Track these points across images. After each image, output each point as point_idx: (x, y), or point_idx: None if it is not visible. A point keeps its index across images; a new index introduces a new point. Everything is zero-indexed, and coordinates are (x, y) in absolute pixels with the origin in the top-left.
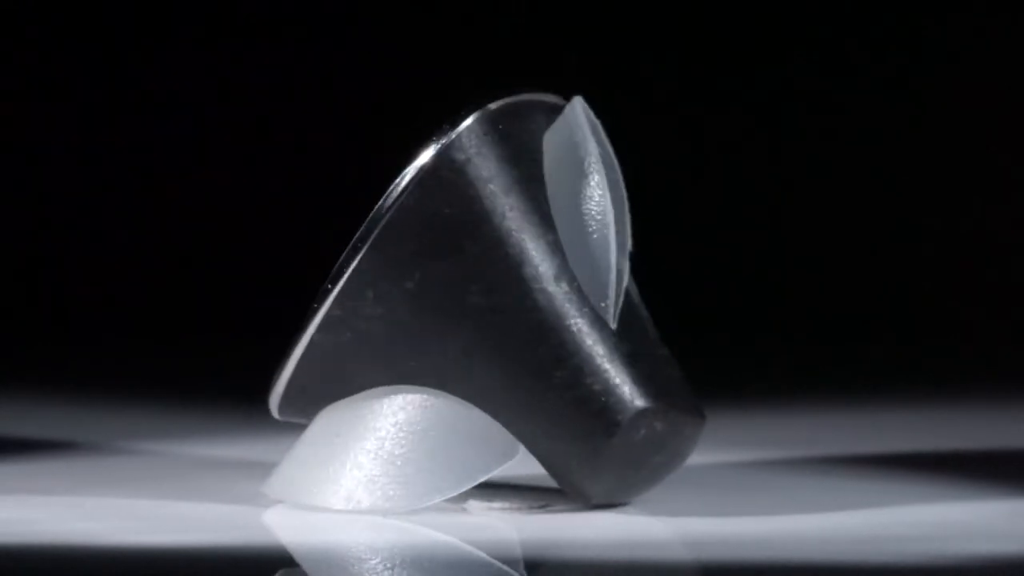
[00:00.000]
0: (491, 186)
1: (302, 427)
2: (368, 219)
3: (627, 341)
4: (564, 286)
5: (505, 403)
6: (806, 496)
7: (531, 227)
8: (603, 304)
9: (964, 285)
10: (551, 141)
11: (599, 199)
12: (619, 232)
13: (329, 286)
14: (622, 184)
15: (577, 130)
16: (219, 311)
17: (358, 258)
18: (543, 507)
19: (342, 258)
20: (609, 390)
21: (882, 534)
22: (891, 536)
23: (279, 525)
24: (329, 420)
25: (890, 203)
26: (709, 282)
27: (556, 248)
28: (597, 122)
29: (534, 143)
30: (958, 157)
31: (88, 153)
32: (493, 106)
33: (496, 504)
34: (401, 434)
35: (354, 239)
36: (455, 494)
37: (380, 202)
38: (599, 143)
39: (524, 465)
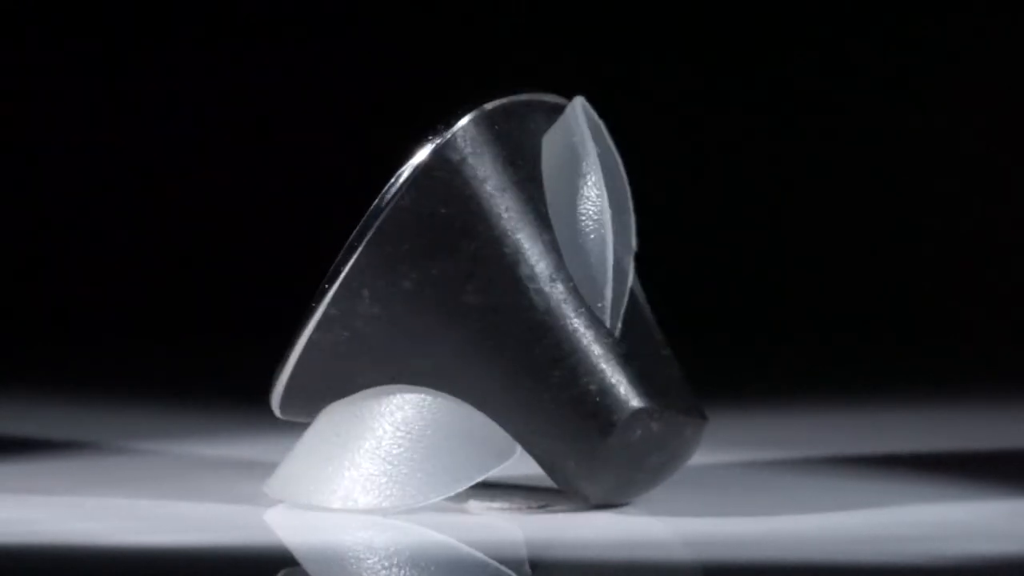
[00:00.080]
0: (487, 186)
1: (303, 426)
2: (364, 219)
3: (627, 341)
4: (560, 286)
5: (502, 403)
6: (806, 496)
7: (527, 227)
8: (600, 304)
9: (964, 285)
10: (550, 141)
11: (596, 199)
12: (623, 232)
13: (326, 285)
14: (626, 184)
15: (575, 130)
16: (219, 311)
17: (354, 257)
18: (543, 507)
19: (338, 258)
20: (605, 390)
21: (882, 534)
22: (891, 536)
23: (280, 525)
24: (329, 420)
25: (890, 203)
26: (709, 282)
27: (553, 248)
28: (600, 122)
29: (532, 143)
30: (958, 157)
31: (88, 153)
32: (489, 106)
33: (496, 504)
34: (399, 434)
35: (350, 238)
36: (452, 494)
37: (376, 202)
38: (600, 143)
39: (524, 465)
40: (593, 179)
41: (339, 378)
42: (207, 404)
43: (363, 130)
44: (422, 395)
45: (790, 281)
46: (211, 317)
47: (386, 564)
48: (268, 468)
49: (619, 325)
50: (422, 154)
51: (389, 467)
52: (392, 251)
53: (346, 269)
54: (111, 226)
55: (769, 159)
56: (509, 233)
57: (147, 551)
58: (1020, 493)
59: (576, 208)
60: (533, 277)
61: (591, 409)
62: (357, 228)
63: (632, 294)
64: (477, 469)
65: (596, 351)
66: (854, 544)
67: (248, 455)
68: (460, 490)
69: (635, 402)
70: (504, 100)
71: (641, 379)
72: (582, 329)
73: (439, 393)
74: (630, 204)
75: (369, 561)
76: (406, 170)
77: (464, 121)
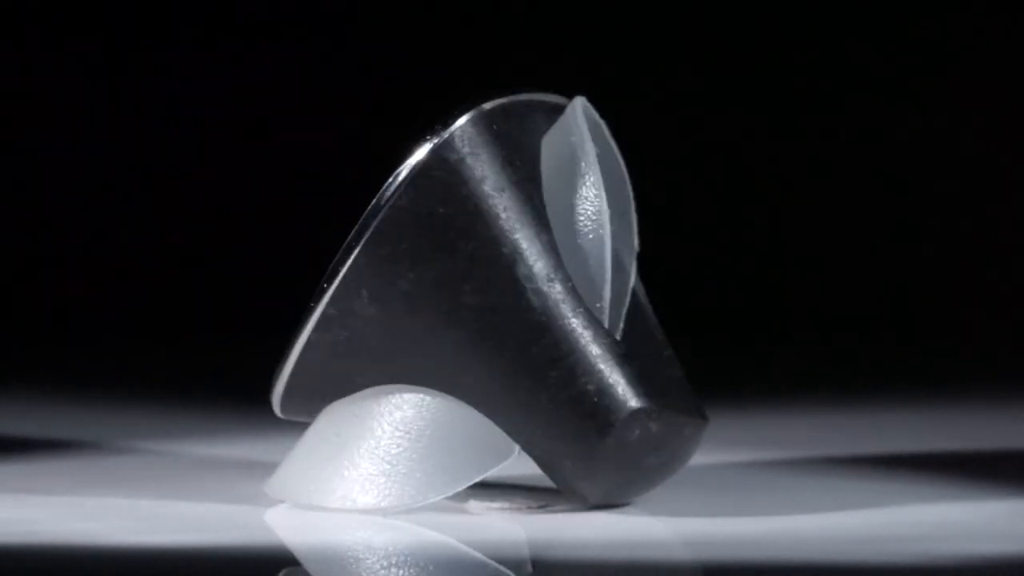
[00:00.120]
0: (485, 186)
1: (303, 426)
2: (362, 218)
3: (627, 341)
4: (559, 286)
5: (500, 403)
6: (806, 496)
7: (526, 227)
8: (598, 305)
9: (964, 285)
10: (549, 142)
11: (595, 200)
12: (625, 232)
13: (324, 285)
14: (628, 184)
15: (575, 130)
16: (219, 311)
17: (352, 257)
18: (543, 507)
19: (336, 257)
20: (603, 390)
21: (882, 534)
22: (891, 536)
23: (280, 525)
24: (329, 420)
25: (890, 203)
26: (709, 282)
27: (551, 248)
28: (601, 122)
29: (531, 143)
30: (958, 157)
31: (88, 153)
32: (488, 106)
33: (496, 504)
34: (398, 433)
35: (348, 238)
36: (451, 493)
37: (374, 201)
38: (600, 144)
39: (524, 465)
40: (592, 179)
41: (338, 378)
42: (207, 404)
43: (363, 130)
44: (421, 395)
45: (790, 281)
46: (211, 317)
47: (386, 564)
48: (268, 468)
49: (621, 325)
50: (420, 154)
51: (388, 467)
52: (390, 251)
53: (344, 269)
54: (111, 226)
55: (769, 159)
56: (507, 233)
57: (147, 551)
58: (1020, 493)
59: (575, 208)
60: (531, 277)
61: (589, 409)
62: (355, 228)
63: (634, 294)
64: (476, 469)
65: (594, 351)
66: (854, 544)
67: (248, 455)
68: (459, 490)
69: (633, 402)
70: (503, 100)
71: (640, 379)
72: (580, 329)
73: (438, 393)
74: (632, 204)
75: (369, 561)
76: (404, 170)
77: (462, 121)
